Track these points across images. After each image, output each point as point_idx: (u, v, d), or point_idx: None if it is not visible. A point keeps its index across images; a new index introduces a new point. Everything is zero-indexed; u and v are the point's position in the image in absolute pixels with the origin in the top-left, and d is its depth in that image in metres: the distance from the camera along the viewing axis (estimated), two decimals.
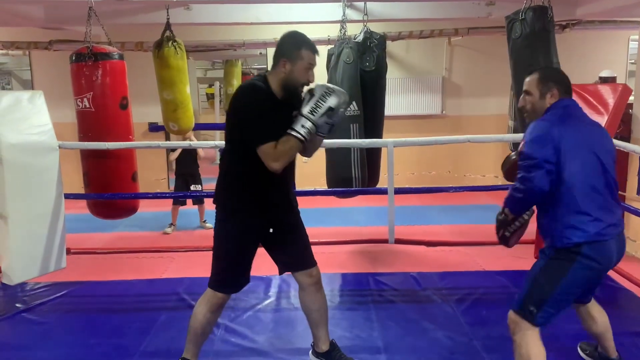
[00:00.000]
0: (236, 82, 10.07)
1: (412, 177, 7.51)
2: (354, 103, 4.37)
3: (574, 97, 3.74)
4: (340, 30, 4.79)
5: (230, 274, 2.57)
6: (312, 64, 2.38)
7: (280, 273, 2.74)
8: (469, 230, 5.54)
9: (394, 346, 3.07)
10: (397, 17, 5.60)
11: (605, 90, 3.55)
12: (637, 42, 6.90)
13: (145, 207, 6.29)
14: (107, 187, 4.20)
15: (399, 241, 4.06)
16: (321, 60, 4.90)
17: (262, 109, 2.31)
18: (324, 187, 4.62)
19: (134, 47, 5.97)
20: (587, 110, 3.59)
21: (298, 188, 4.23)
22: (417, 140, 4.09)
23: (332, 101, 2.30)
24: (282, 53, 2.38)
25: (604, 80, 5.95)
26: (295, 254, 2.65)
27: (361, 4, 5.01)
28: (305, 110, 2.31)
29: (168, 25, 4.74)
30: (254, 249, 2.57)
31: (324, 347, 2.78)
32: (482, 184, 6.87)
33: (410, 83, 7.47)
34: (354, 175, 4.40)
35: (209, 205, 6.17)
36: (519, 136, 4.35)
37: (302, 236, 2.68)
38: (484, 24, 5.97)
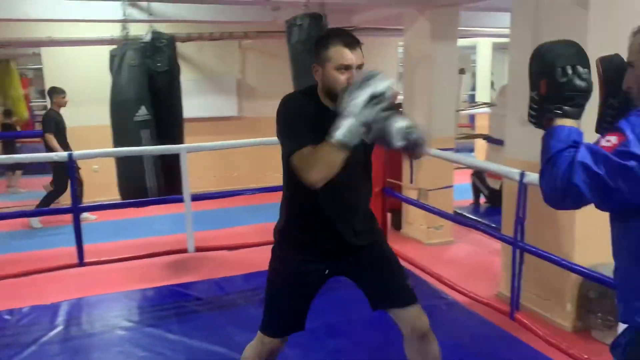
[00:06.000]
0: (13, 91, 8.78)
1: (214, 180, 7.45)
2: (143, 107, 4.16)
3: None
4: (122, 30, 4.52)
5: (275, 317, 2.15)
6: (344, 64, 1.86)
7: (373, 309, 2.19)
8: (273, 228, 5.69)
9: (199, 357, 3.00)
10: (185, 18, 5.49)
11: None
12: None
13: None
14: None
15: (200, 249, 3.99)
16: (104, 62, 4.64)
17: (294, 117, 1.91)
18: (117, 198, 4.31)
19: None
20: None
21: (87, 200, 3.90)
22: (211, 145, 4.06)
23: (374, 87, 1.70)
24: (314, 59, 1.94)
25: None
26: (381, 287, 2.15)
27: (145, 3, 4.78)
28: (342, 106, 1.75)
29: None
30: (308, 292, 2.12)
31: None
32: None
33: (204, 85, 7.39)
34: (148, 185, 4.20)
35: None
36: None
37: (385, 270, 2.15)
38: (272, 28, 6.17)
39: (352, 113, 1.69)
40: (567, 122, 1.39)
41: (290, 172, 1.87)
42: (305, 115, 1.89)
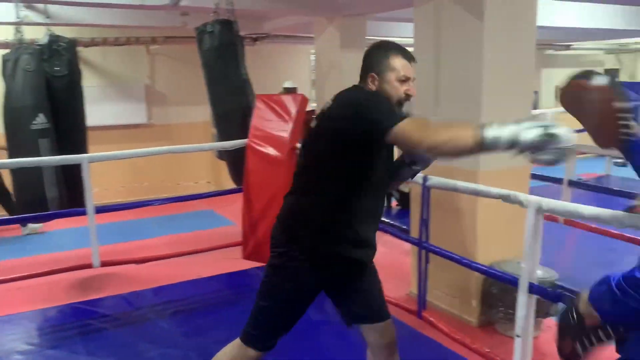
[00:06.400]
0: None
1: (123, 190, 7.15)
2: (41, 115, 3.92)
3: (262, 106, 4.08)
4: (16, 34, 4.23)
5: (270, 332, 2.03)
6: (407, 75, 1.92)
7: (349, 325, 2.14)
8: (185, 238, 5.53)
9: None
10: (87, 22, 5.23)
11: (288, 100, 3.96)
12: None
13: None
14: None
15: (106, 263, 3.80)
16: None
17: (385, 100, 1.84)
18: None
19: None
20: (274, 118, 3.95)
21: None
22: (115, 154, 3.87)
23: (559, 135, 1.45)
24: (369, 67, 1.94)
25: (287, 91, 6.63)
26: (366, 302, 2.10)
27: (41, 5, 4.51)
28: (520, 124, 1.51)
29: None
30: (306, 307, 2.02)
31: None
32: (195, 192, 6.94)
33: (111, 91, 7.08)
34: (49, 197, 3.96)
35: None
36: (219, 144, 4.54)
37: (376, 282, 2.15)
38: (181, 34, 6.04)
39: (516, 133, 1.48)
40: None
41: (348, 174, 1.83)
42: None
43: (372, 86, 1.92)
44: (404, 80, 1.90)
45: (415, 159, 2.00)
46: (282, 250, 1.96)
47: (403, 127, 1.65)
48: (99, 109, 6.84)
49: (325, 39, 5.21)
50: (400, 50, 1.94)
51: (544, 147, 1.47)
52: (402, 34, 6.42)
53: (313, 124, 1.98)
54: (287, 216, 1.99)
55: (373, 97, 1.87)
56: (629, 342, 1.37)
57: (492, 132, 1.50)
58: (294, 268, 1.93)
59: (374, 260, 2.13)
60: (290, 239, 1.94)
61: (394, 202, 6.66)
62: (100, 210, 3.85)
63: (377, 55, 1.94)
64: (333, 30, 5.09)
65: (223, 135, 4.62)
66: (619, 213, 2.07)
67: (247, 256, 4.20)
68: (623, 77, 11.13)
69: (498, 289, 3.30)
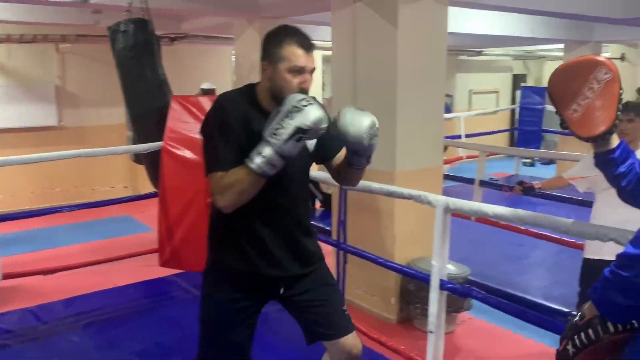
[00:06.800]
0: None
1: (33, 197, 6.73)
2: None
3: (178, 108, 3.98)
4: None
5: (216, 353, 1.87)
6: (298, 65, 1.67)
7: (308, 343, 1.95)
8: (100, 246, 5.28)
9: None
10: None
11: (205, 101, 3.86)
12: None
13: None
14: None
15: (9, 275, 3.55)
16: None
17: (224, 128, 1.70)
18: None
19: None
20: (191, 120, 3.86)
21: None
22: (19, 159, 3.63)
23: (301, 119, 1.54)
24: (263, 54, 1.74)
25: (205, 92, 6.49)
26: (320, 318, 1.91)
27: None
28: (266, 132, 1.59)
29: None
30: (244, 320, 1.85)
31: None
32: (112, 197, 6.66)
33: (17, 92, 6.64)
34: None
35: None
36: (135, 147, 4.38)
37: (325, 301, 1.92)
38: (93, 32, 5.78)
39: (273, 144, 1.56)
40: None
41: None
42: (238, 127, 1.70)
43: (264, 76, 1.75)
44: (297, 71, 1.69)
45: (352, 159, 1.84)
46: (206, 264, 1.91)
47: (214, 181, 1.68)
48: (3, 111, 6.45)
49: (245, 40, 5.17)
50: (295, 36, 1.71)
51: (299, 138, 1.56)
52: (321, 37, 6.48)
53: None
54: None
55: (213, 125, 1.73)
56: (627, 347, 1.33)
57: (256, 161, 1.58)
58: (211, 283, 1.88)
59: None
60: (209, 254, 1.91)
61: (317, 204, 6.70)
62: (2, 218, 3.60)
63: (270, 42, 1.73)
64: (253, 31, 5.05)
65: (140, 138, 4.46)
66: (519, 211, 2.19)
67: (164, 263, 4.05)
68: (530, 82, 11.85)
69: (415, 286, 3.40)
